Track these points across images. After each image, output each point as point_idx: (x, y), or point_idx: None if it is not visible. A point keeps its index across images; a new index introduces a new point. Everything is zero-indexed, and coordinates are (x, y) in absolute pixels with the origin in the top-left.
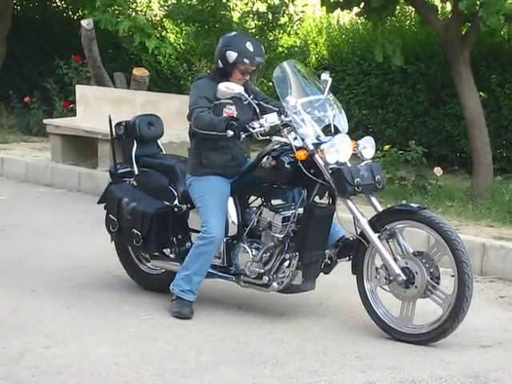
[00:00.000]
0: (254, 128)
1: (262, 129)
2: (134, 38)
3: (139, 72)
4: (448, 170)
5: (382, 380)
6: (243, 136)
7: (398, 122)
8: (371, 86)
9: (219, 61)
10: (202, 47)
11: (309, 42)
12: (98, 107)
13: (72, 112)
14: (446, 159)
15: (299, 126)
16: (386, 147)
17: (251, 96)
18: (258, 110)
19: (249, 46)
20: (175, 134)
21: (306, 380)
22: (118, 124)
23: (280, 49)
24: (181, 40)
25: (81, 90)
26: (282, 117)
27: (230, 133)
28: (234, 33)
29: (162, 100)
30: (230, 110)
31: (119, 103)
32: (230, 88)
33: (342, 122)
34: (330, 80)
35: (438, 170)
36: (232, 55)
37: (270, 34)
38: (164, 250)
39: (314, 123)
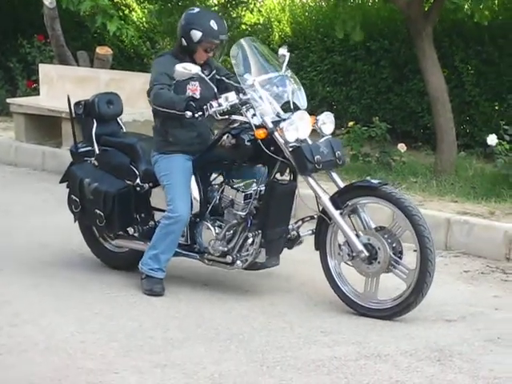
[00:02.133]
0: (212, 107)
1: (221, 108)
2: (96, 18)
3: (102, 50)
4: (412, 146)
5: (348, 355)
6: (200, 117)
7: (362, 98)
8: (335, 63)
9: (183, 39)
10: (165, 25)
11: (272, 19)
12: (62, 86)
13: (35, 91)
14: (409, 135)
15: (258, 103)
16: (350, 124)
17: (214, 71)
18: (215, 90)
19: (213, 24)
20: (139, 112)
21: (272, 355)
22: (77, 103)
23: (243, 26)
24: (144, 18)
25: (44, 68)
26: (241, 95)
27: (189, 113)
28: (196, 9)
29: (126, 78)
30: (194, 87)
31: (83, 82)
32: (187, 69)
33: (300, 99)
34: (287, 55)
35: (401, 147)
36: (197, 34)
37: (233, 11)
38: (127, 229)
39: (273, 100)
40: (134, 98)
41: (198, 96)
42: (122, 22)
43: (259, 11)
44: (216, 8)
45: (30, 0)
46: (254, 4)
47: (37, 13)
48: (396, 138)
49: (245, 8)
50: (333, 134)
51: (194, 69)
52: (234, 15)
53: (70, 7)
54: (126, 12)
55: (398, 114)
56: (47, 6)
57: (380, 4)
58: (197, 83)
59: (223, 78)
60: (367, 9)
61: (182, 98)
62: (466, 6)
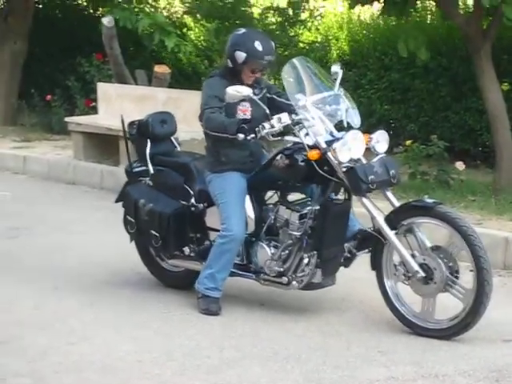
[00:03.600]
0: (264, 129)
1: (273, 129)
2: (154, 35)
3: (160, 69)
4: (470, 165)
5: (405, 375)
6: (252, 139)
7: (420, 116)
8: (392, 81)
9: (228, 60)
10: (223, 43)
11: (330, 37)
12: (120, 105)
13: (93, 110)
14: (468, 153)
15: (310, 124)
16: (408, 142)
17: (264, 91)
18: (267, 111)
19: (258, 45)
20: (197, 130)
21: (329, 375)
22: (131, 123)
23: (301, 44)
24: (201, 37)
25: (102, 87)
26: (293, 116)
27: (241, 136)
28: (242, 30)
29: (183, 96)
30: (244, 107)
31: (141, 100)
32: (238, 91)
33: (354, 117)
34: (340, 72)
35: (460, 165)
36: (241, 56)
37: (291, 29)
38: (183, 249)
39: (326, 119)
40: (191, 116)
41: (248, 117)
42: (180, 39)
43: (317, 29)
44: (274, 27)
45: (88, 18)
46: (312, 22)
47: (95, 31)
48: (454, 156)
49: (303, 26)
50: (389, 152)
51: (246, 91)
52: (292, 34)
53: (128, 25)
54: (184, 31)
55: (457, 132)
56: (105, 25)
57: (439, 22)
58: (247, 104)
59: (274, 97)
60: (426, 26)
61: (233, 122)
62: None
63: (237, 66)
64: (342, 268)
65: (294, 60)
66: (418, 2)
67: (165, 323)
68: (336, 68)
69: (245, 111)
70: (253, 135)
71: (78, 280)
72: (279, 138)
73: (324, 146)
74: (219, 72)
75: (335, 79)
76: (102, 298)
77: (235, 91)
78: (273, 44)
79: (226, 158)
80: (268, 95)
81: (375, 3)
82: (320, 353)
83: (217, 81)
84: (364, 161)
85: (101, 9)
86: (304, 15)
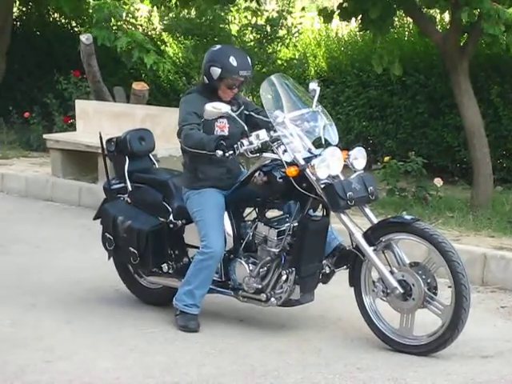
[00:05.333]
0: (243, 146)
1: (252, 146)
2: (133, 53)
3: (138, 86)
4: (448, 181)
5: None
6: (230, 156)
7: (398, 133)
8: (371, 97)
9: (205, 77)
10: (201, 61)
11: (308, 54)
12: (98, 122)
13: (72, 127)
14: (446, 170)
15: (289, 140)
16: (386, 159)
17: (242, 107)
18: (245, 128)
19: (232, 60)
20: (175, 147)
21: None
22: (109, 140)
23: (279, 61)
24: (180, 54)
25: (80, 104)
26: (271, 132)
27: (220, 153)
28: (218, 46)
29: (161, 114)
30: (222, 124)
31: (119, 117)
32: (216, 108)
33: (332, 134)
34: (318, 89)
35: (438, 181)
36: (216, 71)
37: (269, 46)
38: (162, 266)
39: (304, 136)
40: (169, 133)
41: (226, 133)
42: (159, 56)
43: (295, 46)
44: (252, 43)
45: (67, 36)
46: (290, 39)
47: (73, 49)
48: (432, 172)
49: (280, 43)
50: (367, 168)
51: (224, 108)
52: (270, 50)
53: (106, 43)
54: (162, 48)
55: (435, 149)
56: (83, 42)
57: (416, 38)
58: (225, 120)
59: (252, 113)
60: (403, 43)
61: (212, 138)
62: (501, 41)
63: (213, 82)
64: (320, 284)
65: (272, 77)
66: (396, 19)
67: (143, 340)
68: (314, 85)
69: (222, 128)
70: (231, 152)
71: (56, 297)
72: (257, 154)
73: (302, 162)
74: (197, 89)
75: (313, 96)
76: (79, 316)
77: (213, 108)
78: (249, 59)
79: (204, 174)
80: (246, 112)
81: (353, 19)
82: (299, 369)
83: (195, 97)
84: (342, 177)
85: (79, 26)
86: (282, 32)
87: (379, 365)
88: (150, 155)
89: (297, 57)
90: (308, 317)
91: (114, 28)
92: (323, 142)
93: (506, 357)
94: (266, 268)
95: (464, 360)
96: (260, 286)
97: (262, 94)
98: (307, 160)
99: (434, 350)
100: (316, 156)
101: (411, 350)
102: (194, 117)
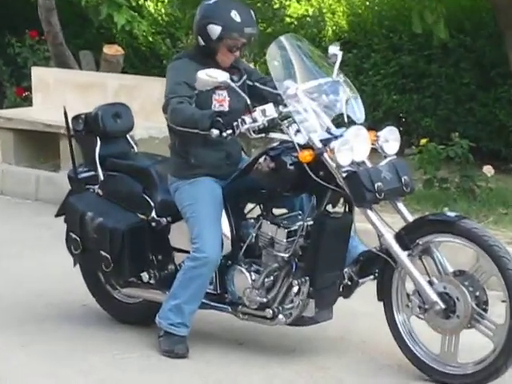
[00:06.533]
0: (244, 124)
1: (256, 124)
2: (101, 9)
3: (111, 50)
4: (501, 170)
5: None
6: (229, 136)
7: (438, 109)
8: (403, 64)
9: (199, 37)
10: (190, 19)
11: (324, 10)
12: (61, 94)
13: (27, 101)
14: (498, 156)
15: (302, 117)
16: (423, 141)
17: (244, 76)
18: (248, 102)
19: (235, 15)
20: (157, 126)
21: None
22: (76, 117)
23: (288, 19)
24: (163, 10)
25: (38, 72)
26: (281, 107)
27: (216, 132)
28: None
29: (140, 84)
30: (221, 97)
31: (86, 89)
32: (212, 76)
33: (356, 110)
34: (340, 54)
35: (488, 170)
36: (215, 30)
37: (276, 1)
38: (141, 275)
39: (322, 113)
40: (149, 108)
41: (226, 109)
42: (135, 13)
43: (308, 0)
44: None
45: None
46: None
47: (29, 3)
48: (481, 158)
49: None
50: (399, 153)
51: (221, 76)
52: (277, 6)
53: None
54: (141, 2)
55: (484, 129)
56: None
57: None
58: (224, 93)
59: (257, 84)
60: None
61: (206, 114)
62: None
63: (210, 44)
64: (340, 299)
65: (282, 38)
66: None
67: (117, 369)
68: (334, 49)
69: (221, 101)
70: (230, 131)
71: (9, 313)
72: (263, 135)
73: (319, 145)
74: (188, 53)
75: (333, 62)
76: (37, 337)
77: (208, 76)
78: (253, 14)
79: (197, 160)
80: (249, 82)
81: None
82: None
83: (185, 63)
84: (369, 164)
85: None
86: None
87: None
88: (128, 136)
89: (310, 13)
90: (325, 339)
91: None
92: (345, 120)
93: None
94: (272, 277)
95: None
96: (265, 300)
97: (268, 59)
98: (325, 142)
99: (484, 381)
100: (336, 137)
101: (454, 381)
102: (185, 87)
